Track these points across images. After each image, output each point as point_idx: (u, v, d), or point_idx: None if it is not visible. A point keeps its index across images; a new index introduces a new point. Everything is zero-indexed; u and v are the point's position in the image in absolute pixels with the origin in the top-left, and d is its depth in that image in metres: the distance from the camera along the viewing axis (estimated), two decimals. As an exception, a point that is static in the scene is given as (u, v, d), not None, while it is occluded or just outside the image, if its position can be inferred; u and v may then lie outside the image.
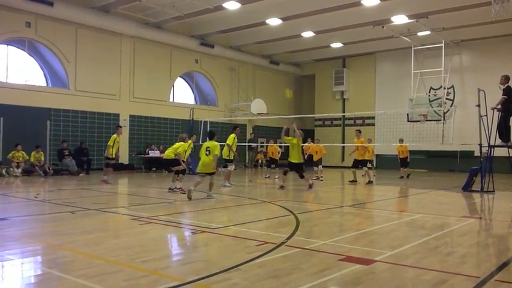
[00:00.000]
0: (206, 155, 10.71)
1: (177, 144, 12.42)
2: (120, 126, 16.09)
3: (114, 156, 14.75)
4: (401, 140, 19.41)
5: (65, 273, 4.22)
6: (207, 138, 11.60)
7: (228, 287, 3.83)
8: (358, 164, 16.51)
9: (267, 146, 19.03)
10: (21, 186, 13.89)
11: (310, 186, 13.21)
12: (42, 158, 17.72)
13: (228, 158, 14.82)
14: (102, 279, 3.99)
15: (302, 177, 13.20)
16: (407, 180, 18.08)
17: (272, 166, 18.78)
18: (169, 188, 12.12)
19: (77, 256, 4.94)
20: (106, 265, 4.55)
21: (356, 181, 16.22)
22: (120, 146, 21.49)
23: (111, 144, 14.58)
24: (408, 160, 19.36)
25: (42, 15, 18.56)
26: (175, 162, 12.24)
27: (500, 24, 20.59)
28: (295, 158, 13.14)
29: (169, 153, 12.32)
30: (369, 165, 17.31)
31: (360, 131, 17.36)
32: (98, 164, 20.62)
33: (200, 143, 21.09)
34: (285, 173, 13.43)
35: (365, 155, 16.77)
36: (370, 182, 15.99)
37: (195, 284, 3.89)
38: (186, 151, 13.00)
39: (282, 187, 13.10)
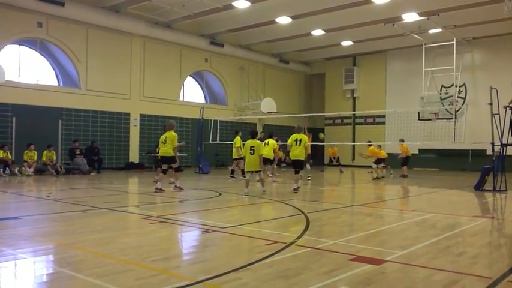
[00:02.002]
0: (251, 153, 11.34)
1: (170, 137, 11.82)
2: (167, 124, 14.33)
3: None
4: (402, 140, 19.76)
5: (76, 272, 4.25)
6: (250, 137, 11.72)
7: (237, 287, 3.83)
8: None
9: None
10: (33, 185, 14.03)
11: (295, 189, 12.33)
12: (54, 157, 17.88)
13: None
14: (113, 278, 4.01)
15: (298, 173, 12.41)
16: (411, 179, 18.04)
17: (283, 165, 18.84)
18: (173, 184, 12.15)
19: (88, 255, 4.97)
20: (117, 264, 4.58)
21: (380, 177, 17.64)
22: (133, 146, 21.83)
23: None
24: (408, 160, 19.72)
25: (53, 15, 18.72)
26: (173, 159, 11.97)
27: (512, 21, 20.36)
28: (302, 155, 12.41)
29: (168, 150, 11.82)
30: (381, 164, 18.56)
31: (370, 144, 19.39)
32: (109, 163, 20.79)
33: (210, 141, 21.32)
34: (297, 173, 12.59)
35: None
36: (377, 178, 17.16)
37: (204, 284, 3.90)
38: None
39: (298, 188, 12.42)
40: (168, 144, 11.82)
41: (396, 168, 20.13)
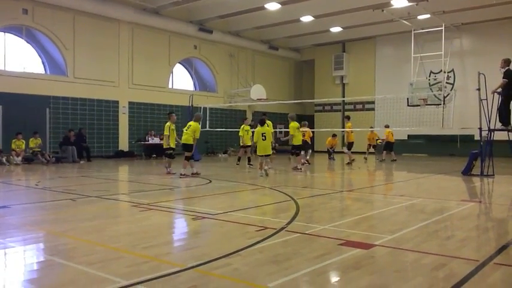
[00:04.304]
0: (263, 139, 12.63)
1: (193, 126, 12.47)
2: (172, 113, 14.59)
3: (173, 146, 13.42)
4: (387, 126, 20.38)
5: (67, 260, 4.25)
6: (259, 125, 13.04)
7: (228, 272, 3.85)
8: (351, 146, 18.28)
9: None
10: (22, 174, 13.91)
11: (300, 168, 14.53)
12: (40, 142, 17.69)
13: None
14: (104, 266, 4.01)
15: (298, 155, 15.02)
16: (397, 164, 18.30)
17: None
18: (192, 173, 12.50)
19: (79, 243, 4.96)
20: (107, 252, 4.58)
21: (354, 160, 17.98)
22: (122, 134, 21.71)
23: (168, 133, 13.22)
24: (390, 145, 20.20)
25: (39, 2, 18.41)
26: (191, 147, 12.51)
27: (501, 7, 20.45)
28: (299, 140, 14.90)
29: (188, 138, 12.41)
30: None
31: (348, 117, 19.08)
32: (99, 152, 20.66)
33: (200, 129, 21.15)
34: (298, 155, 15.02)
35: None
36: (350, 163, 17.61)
37: (195, 270, 3.91)
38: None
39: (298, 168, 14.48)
40: (189, 132, 12.43)
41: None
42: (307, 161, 17.64)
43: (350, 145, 18.20)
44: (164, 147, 13.60)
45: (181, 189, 10.25)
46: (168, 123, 13.36)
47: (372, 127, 21.62)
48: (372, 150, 20.97)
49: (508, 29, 23.18)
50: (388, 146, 20.05)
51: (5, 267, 4.25)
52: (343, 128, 26.84)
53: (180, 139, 13.09)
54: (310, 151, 19.60)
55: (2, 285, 3.66)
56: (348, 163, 17.58)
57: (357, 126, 21.01)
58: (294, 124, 14.73)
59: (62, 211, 7.15)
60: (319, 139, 26.05)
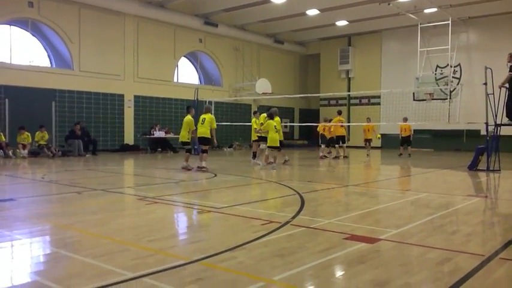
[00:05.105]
0: (276, 132, 13.18)
1: (208, 118, 12.45)
2: (190, 106, 14.14)
3: (188, 140, 13.03)
4: (405, 119, 19.86)
5: (73, 253, 4.27)
6: (267, 118, 13.61)
7: (233, 266, 3.86)
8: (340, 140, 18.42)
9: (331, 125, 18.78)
10: (28, 168, 13.99)
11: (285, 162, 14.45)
12: (47, 136, 17.77)
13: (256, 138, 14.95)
14: (109, 259, 4.03)
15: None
16: (408, 159, 18.13)
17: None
18: (198, 167, 12.39)
19: (84, 236, 4.99)
20: (113, 244, 4.60)
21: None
22: (127, 127, 21.76)
23: (194, 128, 12.80)
24: (411, 139, 19.75)
25: (45, -5, 18.43)
26: (209, 140, 12.54)
27: (508, 0, 20.28)
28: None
29: (206, 131, 12.38)
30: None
31: (339, 112, 19.43)
32: (104, 145, 20.73)
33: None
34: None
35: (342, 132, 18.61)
36: (337, 157, 17.92)
37: (201, 263, 3.93)
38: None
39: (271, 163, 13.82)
40: (206, 125, 12.37)
41: (389, 148, 20.17)
42: (326, 155, 18.38)
43: (339, 139, 18.36)
44: (185, 140, 12.95)
45: (187, 182, 10.27)
46: (189, 117, 12.81)
47: (368, 118, 20.75)
48: (371, 144, 20.38)
49: (516, 23, 22.98)
50: (405, 141, 19.67)
51: (12, 259, 4.28)
52: (349, 122, 26.98)
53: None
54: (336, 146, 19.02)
55: (9, 277, 3.69)
56: (336, 157, 18.03)
57: (362, 120, 20.91)
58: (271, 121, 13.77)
59: (67, 204, 7.19)
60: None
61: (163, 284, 3.43)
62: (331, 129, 18.15)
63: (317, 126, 19.49)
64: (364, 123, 20.29)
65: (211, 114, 12.99)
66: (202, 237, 5.06)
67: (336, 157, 17.98)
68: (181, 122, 13.34)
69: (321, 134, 18.68)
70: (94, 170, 12.98)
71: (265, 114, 14.48)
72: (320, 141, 19.10)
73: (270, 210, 6.79)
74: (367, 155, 19.60)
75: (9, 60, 18.36)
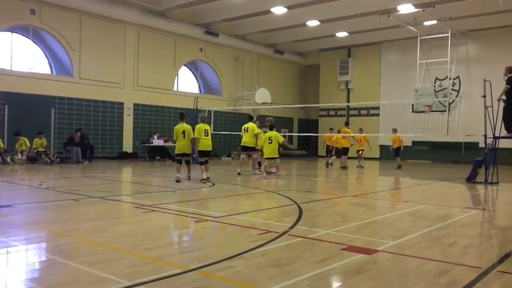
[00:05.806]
0: (269, 143, 12.76)
1: (252, 127, 12.83)
2: (183, 113, 13.29)
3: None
4: (394, 130, 19.89)
5: (69, 260, 4.25)
6: (268, 129, 13.33)
7: (230, 275, 3.85)
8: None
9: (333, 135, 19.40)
10: (26, 174, 13.96)
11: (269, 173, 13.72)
12: (45, 143, 17.75)
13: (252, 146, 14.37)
14: (106, 266, 4.02)
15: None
16: (404, 171, 18.04)
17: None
18: (202, 179, 11.64)
19: (81, 243, 4.97)
20: (109, 252, 4.58)
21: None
22: (126, 135, 21.76)
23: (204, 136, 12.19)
24: (401, 150, 19.67)
25: (47, 2, 18.48)
26: (254, 148, 13.11)
27: (508, 14, 20.35)
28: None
29: (250, 140, 12.78)
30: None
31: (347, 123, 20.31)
32: (103, 153, 20.71)
33: (212, 131, 20.96)
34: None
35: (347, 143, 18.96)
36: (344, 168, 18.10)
37: (197, 272, 3.91)
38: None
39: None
40: (249, 133, 12.74)
41: (387, 159, 20.18)
42: (330, 163, 19.08)
43: (343, 151, 18.79)
44: (203, 150, 12.17)
45: (184, 191, 10.26)
46: (201, 125, 12.14)
47: (361, 129, 20.12)
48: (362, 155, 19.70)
49: (515, 37, 23.12)
50: (395, 152, 19.59)
51: (7, 266, 4.25)
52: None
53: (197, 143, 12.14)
54: (334, 157, 19.83)
55: (4, 284, 3.67)
56: (343, 167, 18.25)
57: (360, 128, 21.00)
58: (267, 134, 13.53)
59: (64, 211, 7.17)
60: (323, 143, 25.96)
61: (159, 292, 3.41)
62: (340, 140, 18.51)
63: (316, 136, 19.64)
64: (357, 134, 20.00)
65: (207, 123, 12.44)
66: (199, 246, 5.04)
67: (344, 167, 18.10)
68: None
69: (329, 145, 19.46)
70: (92, 178, 12.95)
71: (254, 124, 14.31)
72: (333, 153, 19.60)
73: (267, 220, 6.78)
74: (358, 166, 19.03)
75: (10, 67, 18.40)
